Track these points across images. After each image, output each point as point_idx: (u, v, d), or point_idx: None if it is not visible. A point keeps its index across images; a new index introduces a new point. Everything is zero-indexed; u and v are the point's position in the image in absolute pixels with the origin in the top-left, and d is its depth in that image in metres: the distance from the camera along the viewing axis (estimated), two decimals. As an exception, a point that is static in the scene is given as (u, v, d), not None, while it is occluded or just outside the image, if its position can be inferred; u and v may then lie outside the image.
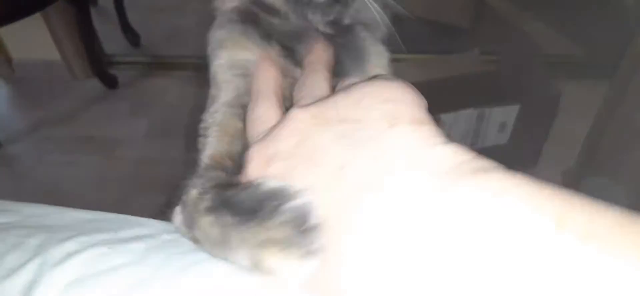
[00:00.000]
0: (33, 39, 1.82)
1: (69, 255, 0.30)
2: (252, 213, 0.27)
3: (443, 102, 1.29)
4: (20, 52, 1.91)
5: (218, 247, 0.28)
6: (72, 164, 1.64)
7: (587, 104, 1.38)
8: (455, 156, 0.25)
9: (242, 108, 0.36)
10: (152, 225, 0.35)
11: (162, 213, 0.34)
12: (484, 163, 0.25)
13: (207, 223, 0.28)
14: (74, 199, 1.47)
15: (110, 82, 1.88)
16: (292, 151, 0.28)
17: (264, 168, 0.28)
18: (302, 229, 0.26)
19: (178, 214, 0.32)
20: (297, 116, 0.29)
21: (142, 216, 0.37)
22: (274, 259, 0.26)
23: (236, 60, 0.39)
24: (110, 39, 2.02)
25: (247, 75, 0.38)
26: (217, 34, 0.42)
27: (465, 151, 0.26)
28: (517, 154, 1.43)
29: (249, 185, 0.28)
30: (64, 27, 1.80)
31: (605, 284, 0.19)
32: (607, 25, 2.04)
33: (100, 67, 1.86)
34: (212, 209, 0.29)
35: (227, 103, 0.37)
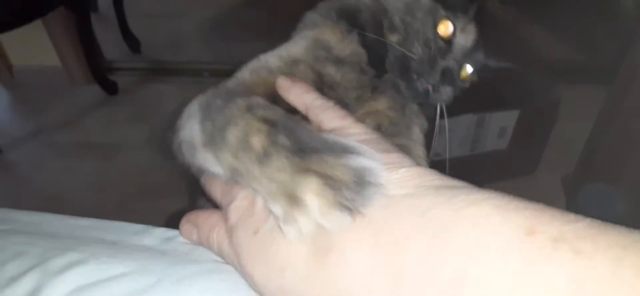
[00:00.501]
0: (33, 45, 1.82)
1: (71, 264, 0.30)
2: (314, 150, 0.26)
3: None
4: (20, 59, 1.91)
5: (241, 155, 0.28)
6: (72, 170, 1.64)
7: (587, 109, 1.39)
8: (420, 174, 0.26)
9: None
10: (152, 234, 0.36)
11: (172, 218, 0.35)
12: (450, 181, 0.26)
13: (253, 129, 0.28)
14: (74, 205, 1.47)
15: (110, 88, 1.88)
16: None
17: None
18: (359, 182, 0.25)
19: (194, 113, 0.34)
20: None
21: (142, 222, 0.37)
22: (313, 193, 0.25)
23: (320, 39, 0.44)
24: (111, 45, 2.02)
25: (325, 49, 0.42)
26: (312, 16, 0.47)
27: (432, 171, 0.27)
28: (516, 160, 1.43)
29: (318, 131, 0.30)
30: (64, 33, 1.80)
31: (577, 282, 0.19)
32: (607, 31, 2.05)
33: (101, 73, 1.86)
34: (268, 122, 0.28)
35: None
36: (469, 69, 0.46)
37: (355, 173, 0.25)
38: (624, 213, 1.09)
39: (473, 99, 1.56)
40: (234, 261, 0.29)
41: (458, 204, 0.23)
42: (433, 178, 0.26)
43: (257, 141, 0.27)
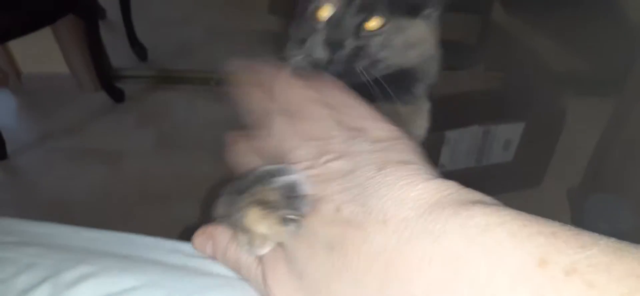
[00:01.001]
0: (42, 53, 1.84)
1: (83, 277, 0.30)
2: (246, 188, 0.31)
3: (449, 119, 1.29)
4: (29, 66, 1.93)
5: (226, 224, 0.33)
6: (78, 177, 1.65)
7: (593, 120, 1.39)
8: (438, 190, 0.25)
9: None
10: (164, 246, 0.36)
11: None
12: (467, 195, 0.25)
13: (220, 204, 0.33)
14: (80, 211, 1.48)
15: (117, 96, 1.89)
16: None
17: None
18: (289, 196, 0.29)
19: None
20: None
21: (147, 228, 0.38)
22: (256, 217, 0.29)
23: None
24: (118, 53, 2.04)
25: None
26: None
27: (450, 184, 0.26)
28: (522, 172, 1.43)
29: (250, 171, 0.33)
30: (72, 40, 1.82)
31: None
32: (613, 43, 2.05)
33: (108, 80, 1.88)
34: (224, 193, 0.33)
35: None
36: (373, 20, 0.40)
37: (282, 191, 0.29)
38: (630, 226, 1.09)
39: (479, 110, 1.58)
40: (258, 278, 0.30)
41: (472, 230, 0.23)
42: (451, 192, 0.25)
43: (221, 210, 0.33)
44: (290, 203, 0.29)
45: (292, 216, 0.28)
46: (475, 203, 0.24)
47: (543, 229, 0.22)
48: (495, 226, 0.22)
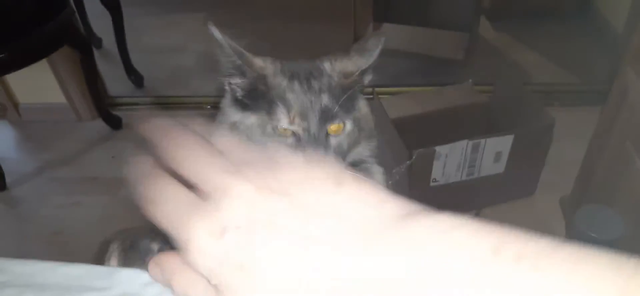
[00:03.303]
0: (39, 84, 1.87)
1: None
2: None
3: (438, 134, 1.30)
4: (26, 97, 1.96)
5: None
6: (77, 205, 1.66)
7: (581, 130, 1.40)
8: (401, 207, 0.29)
9: None
10: (141, 278, 0.37)
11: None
12: (427, 210, 0.29)
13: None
14: (78, 239, 1.49)
15: (115, 123, 1.92)
16: (246, 220, 0.28)
17: (218, 239, 0.28)
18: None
19: None
20: (239, 188, 0.28)
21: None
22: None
23: None
24: (114, 81, 2.07)
25: None
26: None
27: (409, 203, 0.29)
28: (514, 183, 1.44)
29: None
30: (69, 70, 1.85)
31: (534, 293, 0.23)
32: (597, 52, 2.07)
33: (105, 108, 1.90)
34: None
35: None
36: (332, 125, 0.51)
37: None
38: (619, 235, 1.10)
39: (468, 124, 1.58)
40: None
41: (441, 229, 0.27)
42: (418, 208, 0.29)
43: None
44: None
45: None
46: (433, 213, 0.28)
47: (496, 230, 0.26)
48: (460, 227, 0.27)
